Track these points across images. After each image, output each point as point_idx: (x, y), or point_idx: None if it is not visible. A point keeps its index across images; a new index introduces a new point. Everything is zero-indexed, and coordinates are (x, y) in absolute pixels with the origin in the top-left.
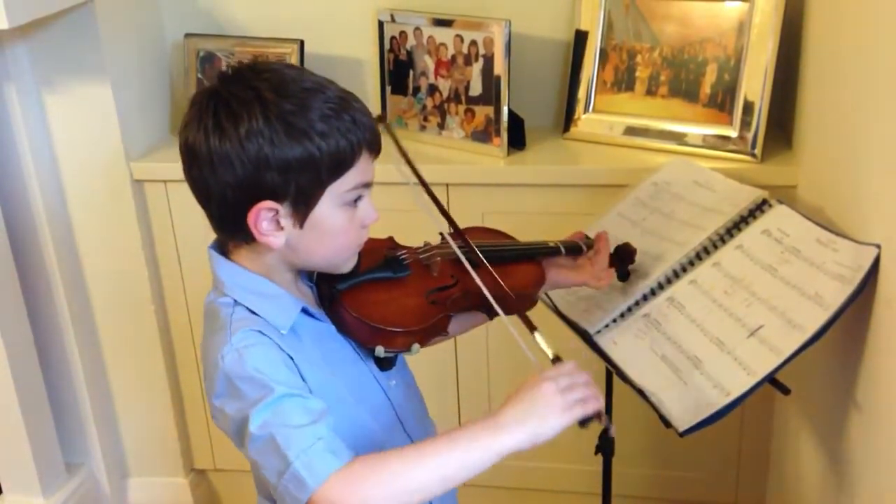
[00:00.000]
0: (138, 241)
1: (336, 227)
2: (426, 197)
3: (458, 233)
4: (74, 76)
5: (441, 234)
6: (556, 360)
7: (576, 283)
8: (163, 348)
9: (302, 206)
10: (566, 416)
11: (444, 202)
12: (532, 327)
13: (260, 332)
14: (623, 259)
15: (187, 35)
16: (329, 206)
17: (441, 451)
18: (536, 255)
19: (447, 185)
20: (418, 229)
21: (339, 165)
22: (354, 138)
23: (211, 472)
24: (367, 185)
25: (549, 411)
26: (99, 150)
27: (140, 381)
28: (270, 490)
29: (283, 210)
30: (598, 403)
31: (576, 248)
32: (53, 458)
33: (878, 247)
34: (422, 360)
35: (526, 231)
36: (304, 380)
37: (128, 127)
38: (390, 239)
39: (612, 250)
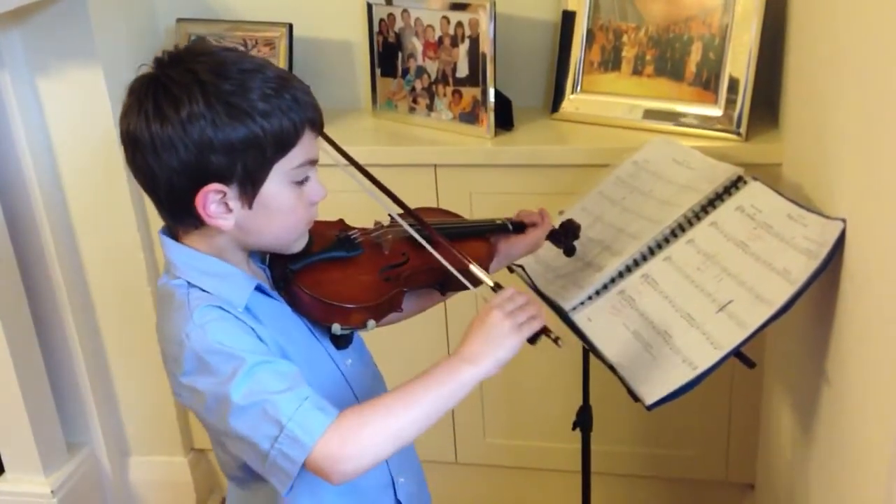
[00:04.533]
0: (133, 223)
1: (285, 206)
2: (369, 184)
3: (408, 212)
4: (67, 61)
5: (390, 214)
6: (497, 287)
7: (529, 249)
8: None
9: (249, 187)
10: (517, 337)
11: (432, 183)
12: (468, 260)
13: (219, 307)
14: (568, 234)
15: (179, 20)
16: (277, 185)
17: (419, 392)
18: (485, 232)
19: (435, 166)
20: (368, 211)
21: (283, 144)
22: (297, 117)
23: (210, 451)
24: (313, 163)
25: (503, 337)
26: (92, 133)
27: (139, 360)
28: (258, 462)
29: (231, 192)
30: (542, 320)
31: (520, 225)
32: (54, 438)
33: (844, 221)
34: (415, 350)
35: (514, 210)
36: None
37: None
38: (340, 221)
39: (557, 226)
